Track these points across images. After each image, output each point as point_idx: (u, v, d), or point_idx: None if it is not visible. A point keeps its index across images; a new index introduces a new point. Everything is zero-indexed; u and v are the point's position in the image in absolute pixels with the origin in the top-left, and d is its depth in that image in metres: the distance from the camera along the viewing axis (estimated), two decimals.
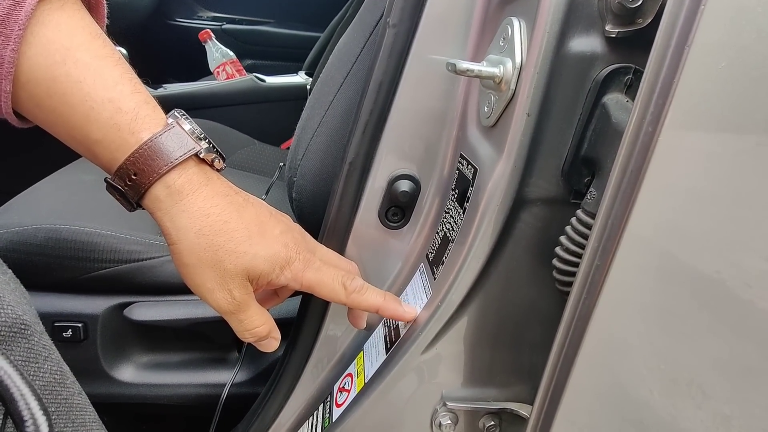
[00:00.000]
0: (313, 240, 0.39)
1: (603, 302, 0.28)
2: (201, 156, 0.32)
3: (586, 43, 0.32)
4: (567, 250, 0.33)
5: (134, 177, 0.31)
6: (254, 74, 1.24)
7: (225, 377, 0.65)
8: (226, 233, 0.32)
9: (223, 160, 0.34)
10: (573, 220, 0.33)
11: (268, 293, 0.41)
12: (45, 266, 0.62)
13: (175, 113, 0.33)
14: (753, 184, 0.25)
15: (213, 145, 0.33)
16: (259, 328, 0.36)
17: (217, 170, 0.35)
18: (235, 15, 1.92)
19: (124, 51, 1.25)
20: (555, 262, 0.35)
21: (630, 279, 0.28)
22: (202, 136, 0.33)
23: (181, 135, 0.32)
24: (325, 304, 0.50)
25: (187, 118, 0.33)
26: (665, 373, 0.32)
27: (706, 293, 0.29)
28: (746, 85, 0.23)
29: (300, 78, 1.27)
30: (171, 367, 0.68)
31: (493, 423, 0.44)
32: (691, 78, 0.24)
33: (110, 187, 0.33)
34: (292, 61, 1.63)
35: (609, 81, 0.32)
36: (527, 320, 0.42)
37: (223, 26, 1.88)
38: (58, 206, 0.68)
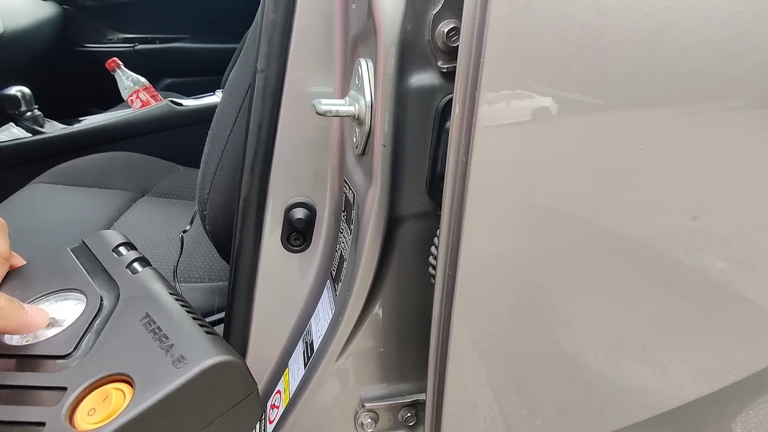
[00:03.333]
0: None
1: (460, 289, 0.33)
2: None
3: (424, 77, 0.36)
4: (435, 258, 0.38)
5: None
6: (170, 99, 1.23)
7: None
8: None
9: None
10: (438, 230, 0.38)
11: None
12: None
13: None
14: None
15: None
16: None
17: None
18: (147, 34, 1.86)
19: (26, 90, 1.20)
20: (430, 269, 0.39)
21: (481, 266, 0.33)
22: None
23: None
24: (246, 327, 0.52)
25: None
26: (608, 338, 0.37)
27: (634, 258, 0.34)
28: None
29: (217, 97, 1.27)
30: None
31: (410, 414, 0.48)
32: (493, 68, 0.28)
33: None
34: (211, 75, 1.61)
35: (449, 108, 0.36)
36: (424, 318, 0.46)
37: (135, 47, 1.82)
38: None
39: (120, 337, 0.28)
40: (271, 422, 0.51)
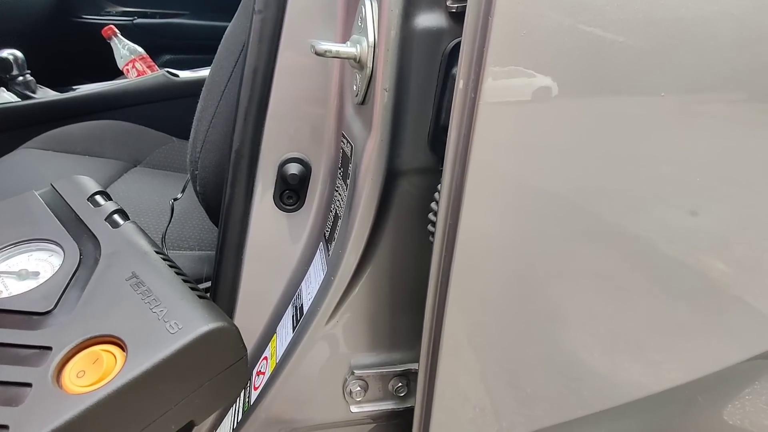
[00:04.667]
0: None
1: (459, 256, 0.31)
2: None
3: (431, 19, 0.34)
4: (435, 214, 0.36)
5: None
6: (166, 69, 1.20)
7: None
8: None
9: None
10: (439, 186, 0.36)
11: None
12: None
13: None
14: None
15: None
16: None
17: None
18: (146, 8, 1.82)
19: (18, 53, 1.17)
20: (429, 227, 0.37)
21: (483, 232, 0.31)
22: None
23: None
24: (234, 290, 0.50)
25: None
26: (604, 336, 0.36)
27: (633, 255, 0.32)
28: (548, 48, 0.26)
29: None
30: None
31: (401, 384, 0.46)
32: (499, 45, 0.26)
33: None
34: (211, 53, 1.58)
35: (456, 52, 0.34)
36: (421, 284, 0.44)
37: (134, 21, 1.79)
38: None
39: (106, 296, 0.26)
40: (256, 389, 0.49)
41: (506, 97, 0.27)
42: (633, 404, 0.40)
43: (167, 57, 1.74)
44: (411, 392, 0.47)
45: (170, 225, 0.77)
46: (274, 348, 0.49)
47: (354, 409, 0.46)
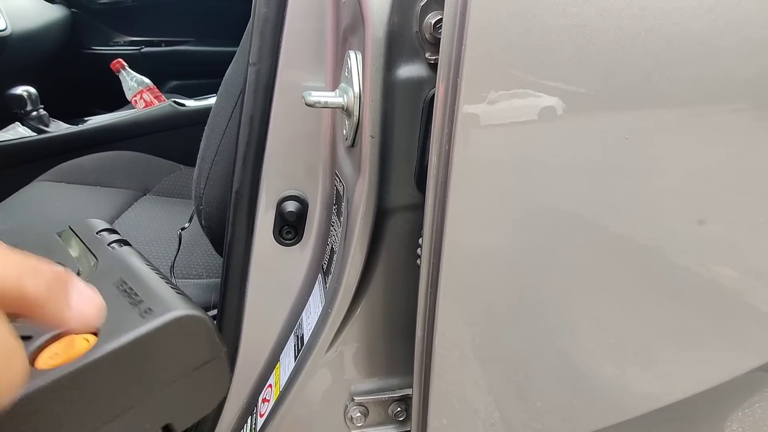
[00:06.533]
0: None
1: (444, 284, 0.33)
2: None
3: (412, 69, 0.36)
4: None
5: None
6: (173, 99, 1.24)
7: None
8: None
9: None
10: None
11: None
12: None
13: None
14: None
15: None
16: None
17: None
18: (153, 37, 1.88)
19: (32, 90, 1.22)
20: (418, 261, 0.39)
21: (466, 263, 0.33)
22: None
23: None
24: (238, 320, 0.53)
25: None
26: (614, 346, 0.37)
27: (643, 265, 0.34)
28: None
29: None
30: None
31: (399, 409, 0.48)
32: (468, 98, 0.28)
33: None
34: (215, 78, 1.62)
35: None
36: (414, 313, 0.46)
37: (142, 50, 1.85)
38: None
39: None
40: (261, 416, 0.51)
41: (485, 111, 0.29)
42: (645, 418, 0.41)
43: (174, 83, 1.80)
44: (409, 416, 0.49)
45: (178, 254, 0.80)
46: (278, 376, 0.51)
47: None
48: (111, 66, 1.33)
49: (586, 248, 0.35)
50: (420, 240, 0.39)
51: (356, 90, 0.37)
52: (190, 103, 1.25)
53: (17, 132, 1.21)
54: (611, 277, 0.36)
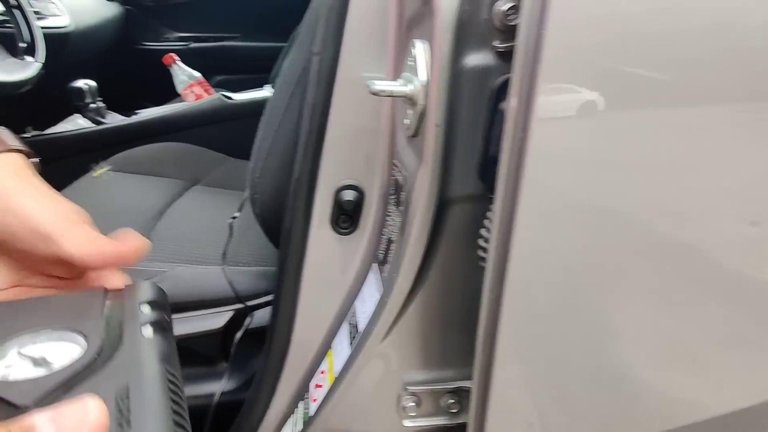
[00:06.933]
0: None
1: (510, 281, 0.33)
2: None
3: (479, 57, 0.36)
4: (486, 241, 0.38)
5: None
6: (222, 93, 1.27)
7: (214, 387, 0.69)
8: None
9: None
10: (488, 213, 0.38)
11: None
12: None
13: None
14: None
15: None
16: None
17: None
18: (200, 33, 1.94)
19: (92, 83, 1.28)
20: (479, 252, 0.39)
21: (533, 258, 0.33)
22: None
23: None
24: (293, 307, 0.54)
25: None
26: (660, 350, 0.36)
27: (691, 265, 0.33)
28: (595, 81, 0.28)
29: (266, 92, 1.30)
30: None
31: (453, 401, 0.48)
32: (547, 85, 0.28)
33: None
34: (260, 73, 1.66)
35: (504, 89, 0.36)
36: (471, 305, 0.46)
37: (190, 45, 1.91)
38: None
39: None
40: (314, 401, 0.52)
41: (559, 111, 0.29)
42: (691, 428, 0.40)
43: (220, 78, 1.85)
44: (462, 409, 0.48)
45: (229, 242, 0.83)
46: (331, 363, 0.52)
47: (407, 423, 0.48)
48: (163, 60, 1.37)
49: (648, 250, 0.34)
50: (483, 231, 0.38)
51: (422, 79, 0.37)
52: (238, 97, 1.28)
53: (77, 123, 1.27)
54: (665, 280, 0.35)
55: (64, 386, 0.25)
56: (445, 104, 0.36)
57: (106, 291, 0.32)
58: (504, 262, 0.32)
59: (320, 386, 0.52)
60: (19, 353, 0.27)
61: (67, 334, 0.28)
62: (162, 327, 0.31)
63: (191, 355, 0.71)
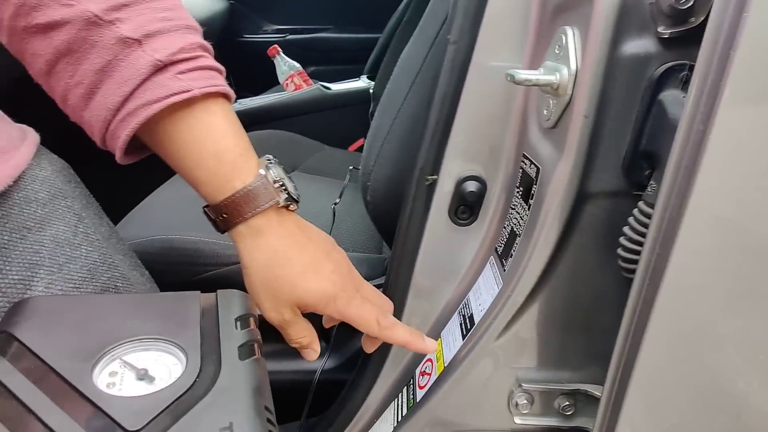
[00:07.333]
0: (358, 276, 0.43)
1: (665, 288, 0.31)
2: (279, 205, 0.38)
3: (639, 44, 0.34)
4: (631, 240, 0.36)
5: (224, 216, 0.37)
6: (320, 83, 1.31)
7: (315, 365, 0.72)
8: (287, 267, 0.38)
9: (297, 203, 0.40)
10: (635, 211, 0.35)
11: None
12: (160, 272, 0.72)
13: (266, 162, 0.38)
14: None
15: (290, 194, 0.38)
16: (302, 340, 0.42)
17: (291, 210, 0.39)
18: (296, 25, 2.02)
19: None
20: (620, 251, 0.37)
21: (696, 265, 0.30)
22: (282, 185, 0.38)
23: (267, 186, 0.37)
24: (404, 294, 0.54)
25: (275, 165, 0.38)
26: (765, 363, 0.33)
27: None
28: None
29: (362, 83, 1.33)
30: (267, 356, 0.76)
31: (568, 403, 0.46)
32: (740, 74, 0.26)
33: (205, 213, 0.39)
34: (353, 64, 1.70)
35: (665, 78, 0.34)
36: (597, 306, 0.44)
37: (286, 37, 1.99)
38: (168, 219, 0.79)
39: None
40: (421, 388, 0.52)
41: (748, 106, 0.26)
42: None
43: (313, 68, 1.91)
44: (578, 412, 0.47)
45: (332, 228, 0.86)
46: (440, 352, 0.53)
47: (518, 420, 0.47)
48: (268, 52, 1.44)
49: None
50: (627, 230, 0.36)
51: (572, 67, 0.35)
52: (336, 87, 1.31)
53: None
54: None
55: (170, 413, 0.26)
56: (597, 94, 0.35)
57: (199, 295, 0.34)
58: (662, 267, 0.30)
59: (427, 374, 0.53)
60: (123, 361, 0.28)
61: (167, 347, 0.30)
62: (256, 349, 0.31)
63: None
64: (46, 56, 0.34)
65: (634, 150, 0.36)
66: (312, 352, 0.44)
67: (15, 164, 0.36)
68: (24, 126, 0.41)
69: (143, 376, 0.28)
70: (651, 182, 0.35)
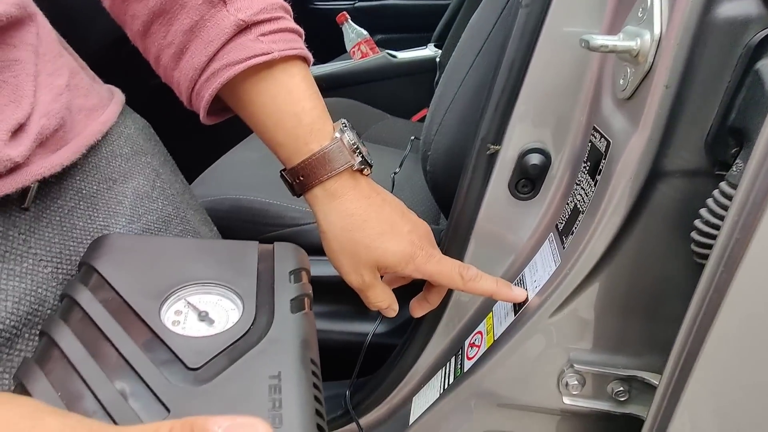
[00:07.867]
0: (433, 236, 0.43)
1: (741, 277, 0.28)
2: (354, 168, 0.38)
3: (737, 6, 0.30)
4: (708, 223, 0.33)
5: (301, 178, 0.38)
6: (386, 51, 1.30)
7: (367, 328, 0.75)
8: (364, 230, 0.38)
9: (370, 167, 0.40)
10: (716, 192, 0.33)
11: (395, 276, 0.47)
12: (229, 230, 0.76)
13: (341, 126, 0.39)
14: None
15: (364, 158, 0.39)
16: (381, 302, 0.43)
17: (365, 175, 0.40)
18: None
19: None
20: (694, 234, 0.35)
21: None
22: (357, 149, 0.38)
23: (342, 149, 0.38)
24: None
25: (348, 129, 0.39)
26: None
27: None
28: None
29: (429, 51, 1.30)
30: (321, 316, 0.80)
31: (622, 389, 0.45)
32: None
33: (282, 177, 0.41)
34: (422, 32, 1.66)
35: (764, 46, 0.30)
36: (662, 293, 0.41)
37: (355, 5, 1.97)
38: (237, 180, 0.83)
39: (244, 384, 0.26)
40: (469, 359, 0.53)
41: None
42: None
43: (381, 36, 1.89)
44: (632, 399, 0.45)
45: None
46: (490, 324, 0.52)
47: (567, 400, 0.47)
48: (336, 19, 1.45)
49: None
50: (704, 212, 0.34)
51: (656, 32, 0.33)
52: (402, 55, 1.29)
53: None
54: None
55: (226, 356, 0.27)
56: (683, 62, 0.32)
57: (258, 244, 0.35)
58: (740, 255, 0.28)
59: (476, 346, 0.53)
60: (187, 302, 0.30)
61: (226, 292, 0.31)
62: (306, 304, 0.32)
63: (345, 293, 0.77)
64: (142, 17, 0.36)
65: (721, 125, 0.33)
66: (391, 311, 0.45)
67: (104, 120, 0.39)
68: (112, 87, 0.44)
69: (204, 317, 0.29)
70: (737, 161, 0.32)
